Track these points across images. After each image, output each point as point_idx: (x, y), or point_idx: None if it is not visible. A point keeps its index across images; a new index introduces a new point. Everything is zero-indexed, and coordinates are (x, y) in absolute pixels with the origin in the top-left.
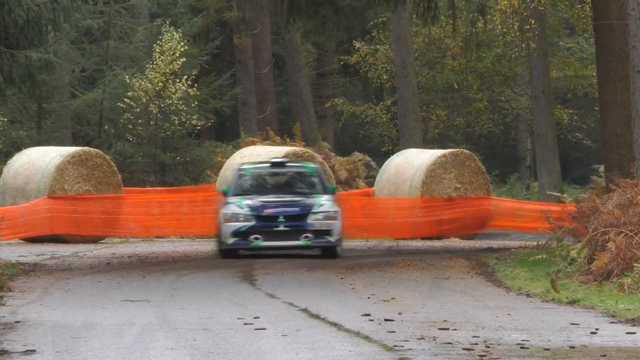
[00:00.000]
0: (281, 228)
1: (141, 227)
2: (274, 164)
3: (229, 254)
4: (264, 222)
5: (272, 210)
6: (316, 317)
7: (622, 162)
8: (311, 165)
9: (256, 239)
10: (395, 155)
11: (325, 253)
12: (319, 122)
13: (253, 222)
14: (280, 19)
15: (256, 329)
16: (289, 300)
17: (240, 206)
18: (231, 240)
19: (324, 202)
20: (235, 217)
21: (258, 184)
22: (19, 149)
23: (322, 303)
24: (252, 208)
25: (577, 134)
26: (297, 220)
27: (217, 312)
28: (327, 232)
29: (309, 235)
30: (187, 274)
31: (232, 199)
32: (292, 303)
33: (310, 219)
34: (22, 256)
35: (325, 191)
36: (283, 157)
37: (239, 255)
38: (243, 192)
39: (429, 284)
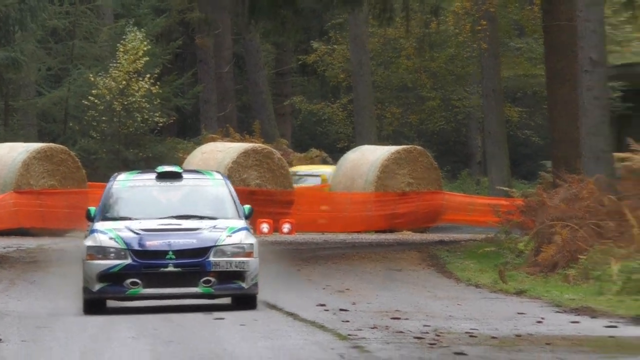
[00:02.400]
0: (170, 269)
1: None
2: (163, 175)
3: (95, 307)
4: (144, 260)
5: (157, 243)
6: (273, 307)
7: (569, 159)
8: (217, 176)
9: (134, 284)
10: (351, 151)
11: (237, 303)
12: (277, 120)
13: (129, 260)
14: (241, 20)
15: (215, 319)
16: None
17: (111, 236)
18: (97, 286)
19: (234, 231)
20: (103, 253)
21: (138, 204)
22: None
23: (280, 294)
24: (128, 239)
25: (526, 131)
26: (194, 257)
27: (178, 302)
28: (238, 275)
29: (211, 279)
30: None
31: (99, 225)
32: None
33: (214, 256)
34: None
35: (238, 214)
36: (239, 155)
37: (107, 310)
38: (115, 215)
39: (382, 276)
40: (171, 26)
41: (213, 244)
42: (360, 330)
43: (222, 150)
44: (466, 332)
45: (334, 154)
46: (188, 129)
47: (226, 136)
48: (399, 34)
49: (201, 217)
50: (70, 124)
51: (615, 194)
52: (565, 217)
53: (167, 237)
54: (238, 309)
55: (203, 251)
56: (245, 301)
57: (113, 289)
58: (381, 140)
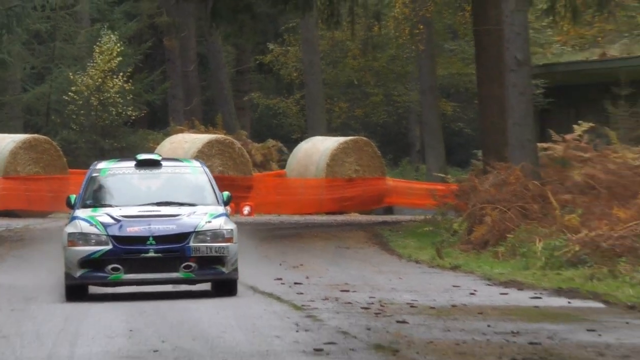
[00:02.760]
0: (151, 254)
1: None
2: (142, 162)
3: (77, 293)
4: (125, 246)
5: (138, 229)
6: None
7: (497, 148)
8: (196, 163)
9: (115, 270)
10: (304, 141)
11: (218, 289)
12: (238, 113)
13: (110, 246)
14: (204, 24)
15: (182, 292)
16: None
17: (91, 222)
18: (79, 272)
19: (213, 217)
20: (84, 239)
21: (118, 192)
22: None
23: (241, 269)
24: (109, 225)
25: (459, 124)
26: (174, 243)
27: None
28: (218, 261)
29: (191, 264)
30: None
31: (80, 212)
32: None
33: (194, 242)
34: None
35: (217, 200)
36: (204, 145)
37: (89, 296)
38: (96, 202)
39: (332, 253)
40: (142, 29)
41: (193, 230)
42: (313, 301)
43: (188, 141)
44: (407, 303)
45: (288, 144)
46: (157, 122)
47: (192, 128)
48: (346, 37)
49: (181, 204)
50: (52, 117)
51: (538, 180)
52: (494, 200)
53: (147, 223)
54: (217, 295)
55: (183, 236)
56: (226, 286)
57: (94, 274)
58: (330, 132)
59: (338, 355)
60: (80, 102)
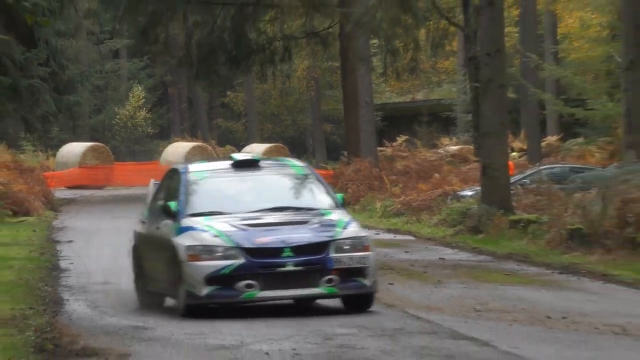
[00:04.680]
0: (289, 268)
1: (125, 181)
2: (239, 164)
3: (201, 312)
4: (259, 259)
5: (269, 239)
6: None
7: (355, 150)
8: (298, 162)
9: (249, 286)
10: (247, 146)
11: (356, 304)
12: (210, 131)
13: (242, 260)
14: (190, 80)
15: None
16: None
17: (213, 232)
18: (206, 290)
19: (346, 223)
20: (209, 252)
21: (225, 196)
22: (63, 143)
23: None
24: (235, 236)
25: (334, 136)
26: (313, 254)
27: None
28: (360, 272)
29: (333, 277)
30: None
31: (191, 222)
32: None
33: (334, 252)
34: (66, 195)
35: (335, 203)
36: (190, 148)
37: (216, 311)
38: (205, 209)
39: None
40: (156, 83)
41: (331, 239)
42: None
43: (181, 147)
44: None
45: (238, 148)
46: (164, 135)
47: (184, 139)
48: (270, 87)
49: (298, 209)
50: (105, 133)
51: (377, 168)
52: (353, 180)
53: (277, 232)
54: (350, 312)
55: (322, 246)
56: (364, 300)
57: (224, 292)
58: (262, 141)
59: None
60: (121, 125)
